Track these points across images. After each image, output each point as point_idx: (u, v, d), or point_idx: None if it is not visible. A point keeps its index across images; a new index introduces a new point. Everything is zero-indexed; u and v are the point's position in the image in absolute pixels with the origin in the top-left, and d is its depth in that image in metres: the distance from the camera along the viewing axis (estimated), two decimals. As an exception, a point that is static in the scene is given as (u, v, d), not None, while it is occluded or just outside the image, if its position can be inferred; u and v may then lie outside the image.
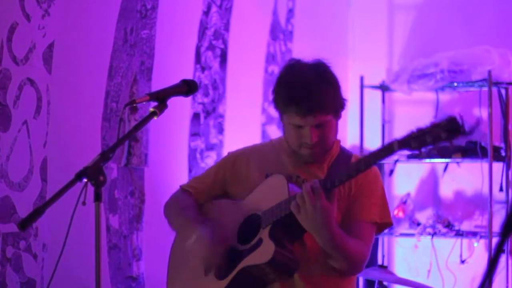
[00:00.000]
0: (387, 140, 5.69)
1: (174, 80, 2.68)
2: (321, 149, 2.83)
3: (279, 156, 2.94)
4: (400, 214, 5.56)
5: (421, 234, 5.36)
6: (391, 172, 5.59)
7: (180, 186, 3.10)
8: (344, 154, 2.93)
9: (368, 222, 2.85)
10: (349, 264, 2.80)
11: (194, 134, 4.52)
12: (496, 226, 5.12)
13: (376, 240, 5.65)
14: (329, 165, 2.88)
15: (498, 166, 5.22)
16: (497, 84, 5.19)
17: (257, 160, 2.98)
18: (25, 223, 2.29)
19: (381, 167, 5.67)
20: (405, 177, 5.60)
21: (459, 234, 5.31)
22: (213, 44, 4.61)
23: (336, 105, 2.84)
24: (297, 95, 2.77)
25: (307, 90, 2.78)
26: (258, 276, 2.74)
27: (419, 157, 5.41)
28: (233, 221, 2.87)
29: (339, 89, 2.87)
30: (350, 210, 2.83)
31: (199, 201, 3.04)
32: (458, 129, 2.40)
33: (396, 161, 5.45)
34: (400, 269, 5.63)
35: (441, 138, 2.41)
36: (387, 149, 2.55)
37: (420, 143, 2.45)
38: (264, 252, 2.70)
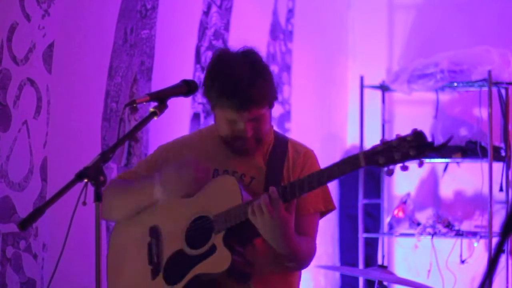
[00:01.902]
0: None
1: (174, 80, 2.68)
2: (255, 142, 2.75)
3: (213, 148, 2.83)
4: (400, 214, 5.56)
5: (421, 234, 5.36)
6: (391, 172, 5.58)
7: (110, 181, 2.94)
8: (280, 141, 2.85)
9: (314, 213, 2.81)
10: (299, 263, 2.79)
11: (194, 134, 4.52)
12: (496, 226, 5.12)
13: (376, 240, 5.65)
14: (266, 156, 2.79)
15: (498, 166, 5.22)
16: (497, 84, 5.19)
17: (190, 154, 2.84)
18: (25, 223, 2.29)
19: (381, 167, 5.66)
20: (405, 177, 5.60)
21: (459, 234, 5.32)
22: (213, 44, 4.61)
23: (270, 97, 2.75)
24: (231, 90, 2.66)
25: (241, 85, 2.66)
26: (213, 283, 2.67)
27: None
28: (180, 221, 2.76)
29: (272, 79, 2.77)
30: (296, 208, 2.74)
31: None
32: (426, 145, 2.34)
33: (396, 161, 5.44)
34: (400, 269, 5.63)
35: (410, 156, 2.36)
36: (353, 163, 2.49)
37: (388, 159, 2.40)
38: (220, 260, 2.63)
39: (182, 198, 2.77)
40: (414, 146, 2.35)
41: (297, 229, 2.72)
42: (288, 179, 2.75)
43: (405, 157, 2.38)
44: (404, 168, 2.44)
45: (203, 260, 2.67)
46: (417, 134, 2.36)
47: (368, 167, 2.52)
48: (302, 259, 2.77)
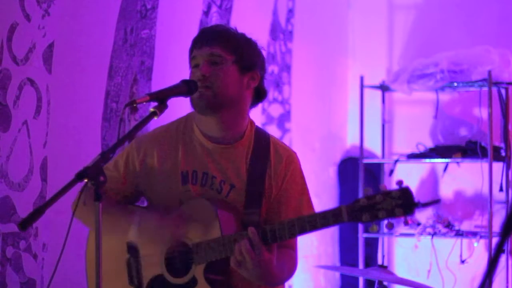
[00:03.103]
0: (387, 140, 5.70)
1: (174, 80, 2.68)
2: (211, 92, 2.62)
3: (194, 148, 2.73)
4: (400, 214, 5.55)
5: (421, 234, 5.36)
6: (391, 172, 5.59)
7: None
8: (261, 141, 2.73)
9: None
10: (282, 283, 2.74)
11: (194, 134, 4.51)
12: (496, 226, 5.12)
13: (376, 240, 5.65)
14: (248, 159, 2.70)
15: (498, 166, 5.22)
16: (497, 84, 5.19)
17: (168, 154, 2.75)
18: (25, 223, 2.29)
19: (380, 167, 5.67)
20: (405, 177, 5.60)
21: (459, 234, 5.32)
22: (213, 44, 4.61)
23: (242, 51, 2.67)
24: (199, 32, 2.73)
25: (209, 27, 2.75)
26: None
27: (419, 157, 5.42)
28: (157, 243, 2.68)
29: (255, 45, 2.73)
30: (277, 215, 2.67)
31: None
32: (413, 205, 2.25)
33: (396, 161, 5.45)
34: (400, 269, 5.63)
35: (395, 215, 2.27)
36: (336, 218, 2.38)
37: (371, 217, 2.31)
38: None
39: (159, 218, 2.69)
40: (400, 205, 2.26)
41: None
42: (270, 189, 2.69)
43: (389, 216, 2.29)
44: (390, 227, 2.38)
45: None
46: (404, 192, 2.27)
47: (350, 222, 2.38)
48: (285, 281, 2.73)
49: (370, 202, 2.31)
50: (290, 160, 2.73)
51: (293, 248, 2.74)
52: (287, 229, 2.47)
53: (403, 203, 2.26)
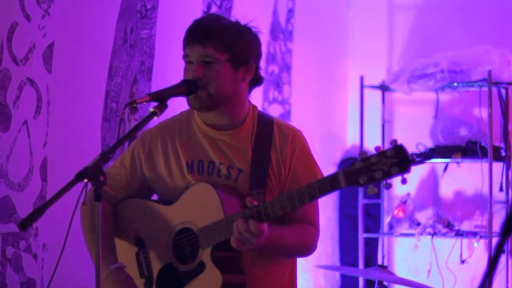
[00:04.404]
0: (387, 140, 5.70)
1: (174, 80, 2.68)
2: (206, 93, 2.61)
3: (198, 138, 2.74)
4: (400, 214, 5.56)
5: (421, 234, 5.36)
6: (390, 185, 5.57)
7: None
8: (265, 123, 2.73)
9: None
10: (296, 255, 2.75)
11: (194, 134, 4.51)
12: (496, 226, 5.12)
13: (376, 240, 5.65)
14: (252, 142, 2.69)
15: (498, 166, 5.22)
16: (497, 84, 5.19)
17: (172, 146, 2.76)
18: (25, 223, 2.29)
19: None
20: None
21: (459, 234, 5.32)
22: (213, 44, 4.61)
23: (235, 47, 2.63)
24: (191, 26, 2.67)
25: (200, 22, 2.66)
26: None
27: (419, 157, 5.41)
28: (163, 232, 2.70)
29: (248, 37, 2.68)
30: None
31: (119, 196, 2.80)
32: (408, 161, 2.24)
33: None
34: (400, 269, 5.63)
35: (392, 174, 2.26)
36: (333, 183, 2.38)
37: (369, 179, 2.30)
38: (210, 279, 2.58)
39: (162, 205, 2.73)
40: (396, 164, 2.25)
41: (295, 218, 2.66)
42: (278, 169, 2.68)
43: (386, 176, 2.27)
44: (388, 186, 2.36)
45: (193, 277, 2.63)
46: (398, 149, 2.25)
47: (348, 186, 2.37)
48: (300, 254, 2.74)
49: (366, 163, 2.30)
50: (296, 139, 2.72)
51: (312, 224, 2.71)
52: (288, 203, 2.46)
53: (399, 161, 2.25)
